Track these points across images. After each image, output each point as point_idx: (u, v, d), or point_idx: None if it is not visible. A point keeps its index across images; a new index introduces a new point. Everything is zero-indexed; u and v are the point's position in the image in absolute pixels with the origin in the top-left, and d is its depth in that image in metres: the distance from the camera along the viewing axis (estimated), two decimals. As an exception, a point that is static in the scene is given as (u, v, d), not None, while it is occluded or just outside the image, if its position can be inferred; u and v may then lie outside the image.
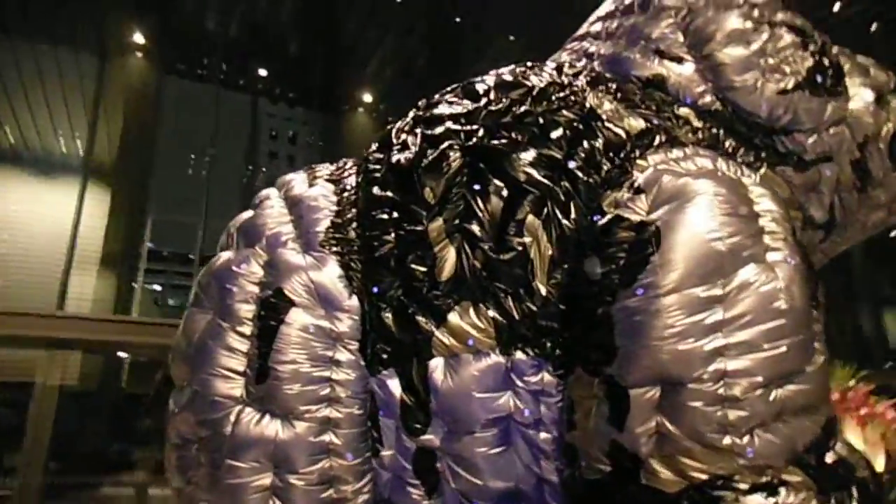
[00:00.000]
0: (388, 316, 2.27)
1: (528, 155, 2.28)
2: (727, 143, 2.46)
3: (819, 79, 2.58)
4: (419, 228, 2.27)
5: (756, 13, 2.68)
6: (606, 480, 1.94)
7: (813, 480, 1.76)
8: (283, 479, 2.14)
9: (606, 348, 1.94)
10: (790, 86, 2.53)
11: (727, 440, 1.74)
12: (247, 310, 2.32)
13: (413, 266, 2.25)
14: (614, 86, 2.57)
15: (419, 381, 2.19)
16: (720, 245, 1.87)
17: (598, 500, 2.00)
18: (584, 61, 2.89)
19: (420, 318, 2.21)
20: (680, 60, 2.67)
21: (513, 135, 2.35)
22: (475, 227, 2.21)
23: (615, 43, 2.94)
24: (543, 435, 2.14)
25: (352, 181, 2.60)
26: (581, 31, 3.33)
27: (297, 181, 2.70)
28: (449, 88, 2.77)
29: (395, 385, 2.23)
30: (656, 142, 2.34)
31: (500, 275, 2.16)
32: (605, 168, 2.25)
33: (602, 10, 3.26)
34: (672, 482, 1.80)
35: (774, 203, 2.08)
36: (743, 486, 1.73)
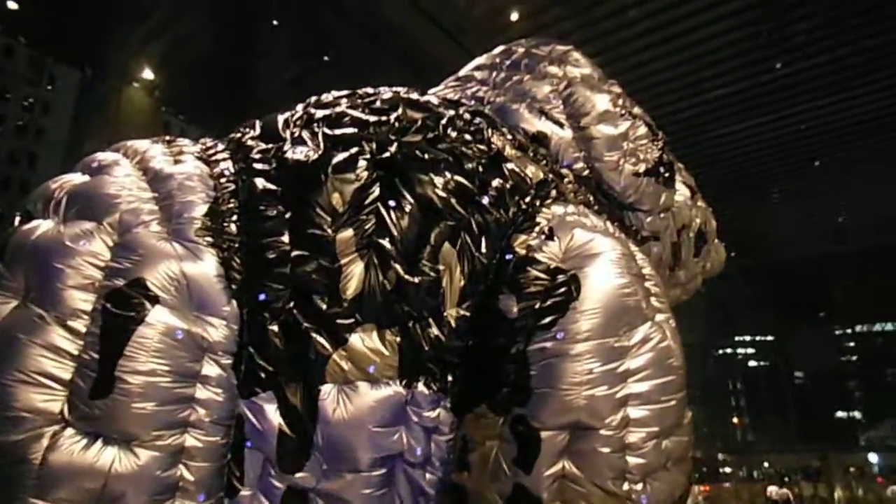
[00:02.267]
0: (273, 329, 1.94)
1: (443, 180, 2.21)
2: (595, 209, 2.71)
3: (661, 169, 3.03)
4: (324, 235, 2.02)
5: (620, 101, 3.07)
6: (499, 525, 1.89)
7: (682, 526, 1.94)
8: (108, 525, 1.64)
9: (519, 388, 1.92)
10: (642, 170, 2.94)
11: (625, 486, 1.84)
12: (83, 300, 1.78)
13: (313, 276, 1.98)
14: (509, 134, 2.67)
15: (305, 408, 1.90)
16: (629, 300, 2.02)
17: (483, 546, 1.93)
18: (473, 103, 2.96)
19: (316, 337, 1.94)
20: (561, 125, 2.91)
21: (426, 157, 2.27)
22: (387, 244, 2.05)
23: (502, 93, 3.08)
24: (428, 476, 2.02)
25: (228, 167, 2.23)
26: (463, 72, 3.43)
27: (155, 152, 2.21)
28: (343, 93, 2.59)
29: (272, 411, 1.90)
30: (553, 194, 2.48)
31: (410, 299, 2.02)
32: (511, 210, 2.29)
33: (485, 59, 3.41)
34: (571, 527, 1.83)
35: (651, 268, 2.33)
36: (633, 531, 1.83)
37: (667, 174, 2.99)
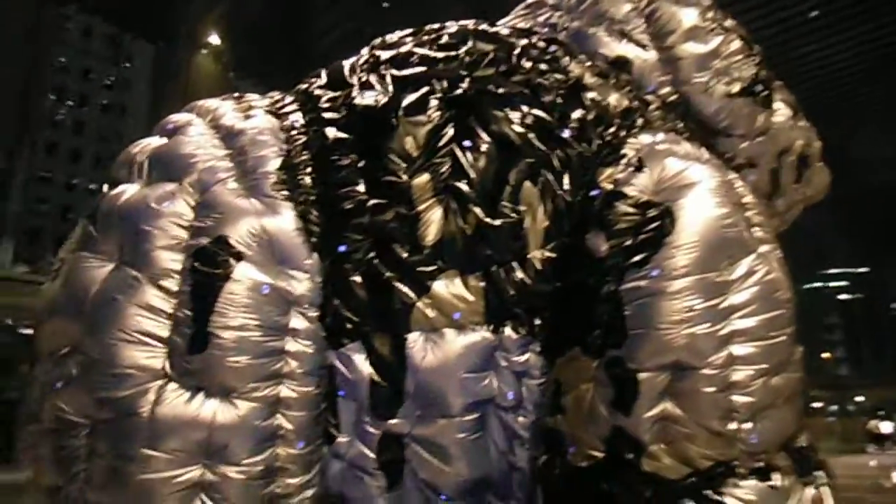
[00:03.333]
0: (356, 280, 1.92)
1: (520, 115, 2.09)
2: (686, 136, 2.50)
3: (758, 88, 2.75)
4: (399, 181, 1.96)
5: (710, 14, 2.78)
6: (597, 468, 1.84)
7: (795, 464, 1.82)
8: (217, 471, 1.71)
9: (613, 330, 1.83)
10: (735, 90, 2.67)
11: (732, 426, 1.73)
12: (172, 259, 1.81)
13: (391, 225, 1.93)
14: (587, 61, 2.48)
15: (393, 357, 1.89)
16: (730, 232, 1.86)
17: (579, 489, 1.89)
18: (547, 30, 2.77)
19: (398, 286, 1.90)
20: (644, 47, 2.68)
21: (500, 91, 2.14)
22: (465, 187, 1.96)
23: (577, 17, 2.86)
24: (521, 419, 1.98)
25: (297, 118, 2.18)
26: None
27: (225, 109, 2.20)
28: (408, 31, 2.47)
29: (361, 361, 1.90)
30: (639, 123, 2.30)
31: (492, 242, 1.94)
32: (595, 142, 2.14)
33: None
34: (674, 469, 1.75)
35: (753, 197, 2.14)
36: (741, 471, 1.74)
37: (764, 93, 2.71)
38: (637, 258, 1.84)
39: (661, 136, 2.20)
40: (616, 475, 1.80)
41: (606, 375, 1.81)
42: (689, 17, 2.70)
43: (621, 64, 2.63)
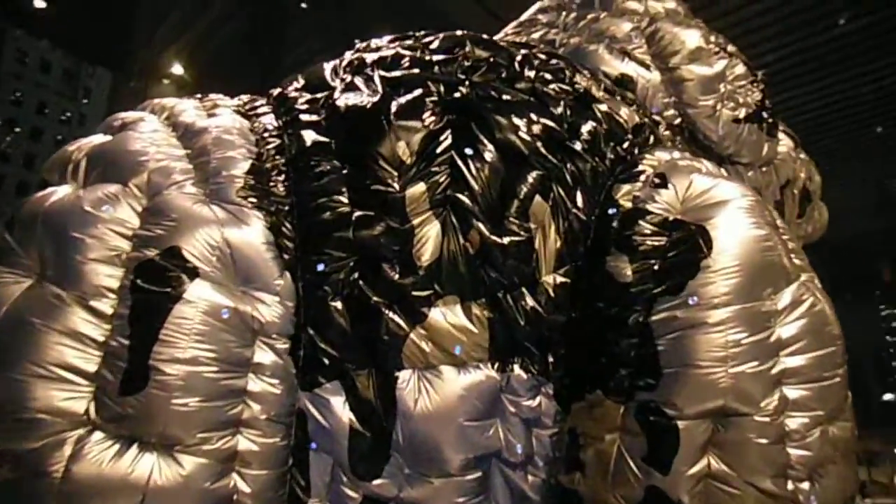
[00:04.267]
0: (336, 306, 1.60)
1: (526, 124, 1.84)
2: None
3: (764, 115, 2.61)
4: (390, 191, 1.67)
5: (712, 37, 2.65)
6: (628, 538, 1.51)
7: (857, 532, 1.54)
8: (150, 552, 1.31)
9: (645, 368, 1.54)
10: (742, 115, 2.52)
11: (790, 486, 1.45)
12: (108, 275, 1.45)
13: (380, 240, 1.63)
14: (589, 75, 2.28)
15: (379, 400, 1.55)
16: (771, 255, 1.62)
17: (605, 565, 1.56)
18: (543, 47, 2.57)
19: (388, 314, 1.59)
20: (647, 67, 2.51)
21: (504, 97, 1.90)
22: (466, 200, 1.68)
23: (575, 34, 2.69)
24: (531, 478, 1.65)
25: (270, 121, 1.88)
26: (525, 17, 3.04)
27: (185, 106, 1.88)
28: (395, 36, 2.23)
29: (339, 405, 1.56)
30: (651, 140, 2.09)
31: (498, 264, 1.65)
32: (608, 156, 1.91)
33: (549, 0, 3.01)
34: (722, 539, 1.44)
35: (781, 220, 1.93)
36: (802, 542, 1.44)
37: (769, 120, 2.56)
38: (669, 284, 1.57)
39: (677, 153, 1.98)
40: (650, 547, 1.47)
41: (637, 424, 1.51)
42: (692, 38, 2.56)
43: (625, 83, 2.45)
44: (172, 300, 1.41)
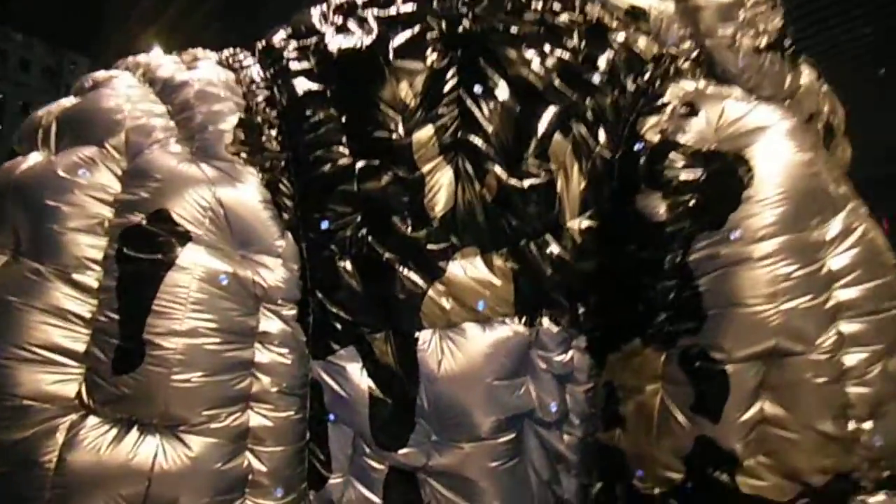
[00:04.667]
0: (345, 266, 1.46)
1: (539, 57, 1.68)
2: None
3: (786, 43, 2.44)
4: (394, 138, 1.52)
5: None
6: (675, 494, 1.40)
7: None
8: (161, 541, 1.19)
9: (685, 311, 1.41)
10: (763, 44, 2.34)
11: (850, 426, 1.33)
12: (90, 245, 1.31)
13: (388, 192, 1.48)
14: (601, 4, 2.10)
15: (400, 364, 1.43)
16: (818, 181, 1.48)
17: (652, 523, 1.45)
18: None
19: (402, 271, 1.45)
20: None
21: (512, 29, 1.73)
22: (479, 142, 1.53)
23: None
24: (567, 437, 1.54)
25: (256, 72, 1.72)
26: None
27: (164, 61, 1.72)
28: None
29: (356, 372, 1.43)
30: (671, 71, 1.92)
31: (518, 210, 1.51)
32: (629, 89, 1.75)
33: None
34: (780, 488, 1.33)
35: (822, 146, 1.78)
36: (866, 485, 1.33)
37: (791, 49, 2.39)
38: (708, 219, 1.43)
39: (702, 83, 1.82)
40: (703, 502, 1.36)
41: (681, 371, 1.39)
42: None
43: (637, 14, 2.26)
44: (164, 268, 1.27)
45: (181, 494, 1.21)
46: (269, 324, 1.37)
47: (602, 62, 1.74)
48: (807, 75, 2.60)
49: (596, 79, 1.70)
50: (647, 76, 1.79)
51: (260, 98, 1.62)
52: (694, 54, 2.21)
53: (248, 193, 1.42)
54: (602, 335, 1.55)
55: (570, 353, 1.53)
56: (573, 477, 1.54)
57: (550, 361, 1.50)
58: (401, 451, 1.41)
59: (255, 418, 1.32)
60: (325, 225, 1.46)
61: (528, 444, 1.50)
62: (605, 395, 1.53)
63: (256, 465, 1.31)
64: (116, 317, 1.24)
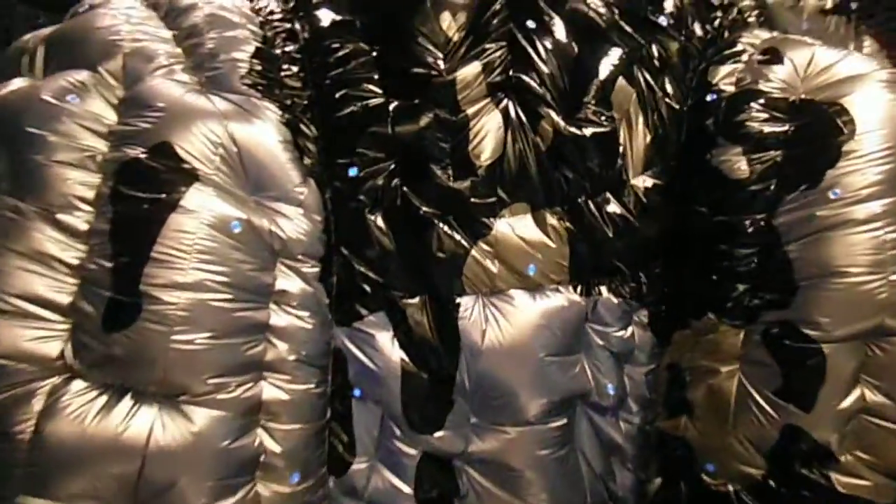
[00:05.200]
0: (375, 220, 1.26)
1: None
2: None
3: (852, 5, 2.23)
4: (435, 75, 1.31)
5: None
6: (756, 493, 1.21)
7: None
8: (156, 531, 1.00)
9: (773, 281, 1.21)
10: (829, 5, 2.14)
11: None
12: (80, 181, 1.11)
13: (427, 136, 1.28)
14: None
15: (437, 334, 1.23)
16: (926, 135, 1.27)
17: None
18: None
19: (442, 227, 1.25)
20: None
21: None
22: (533, 83, 1.32)
23: None
24: (624, 425, 1.34)
25: (274, 4, 1.51)
26: None
27: None
28: None
29: (387, 342, 1.24)
30: (740, 20, 1.71)
31: (576, 162, 1.31)
32: (697, 35, 1.54)
33: None
34: (881, 489, 1.14)
35: None
36: (983, 489, 1.14)
37: (857, 13, 2.17)
38: (801, 176, 1.23)
39: (777, 32, 1.61)
40: (789, 501, 1.17)
41: (765, 351, 1.19)
42: None
43: None
44: (166, 209, 1.08)
45: (181, 475, 1.02)
46: (288, 282, 1.17)
47: (668, 4, 1.53)
48: (868, 46, 2.38)
49: (662, 21, 1.49)
50: (715, 23, 1.58)
51: (279, 30, 1.42)
52: (755, 12, 2.00)
53: (265, 131, 1.22)
54: (667, 309, 1.35)
55: (631, 328, 1.33)
56: (629, 471, 1.35)
57: (608, 337, 1.31)
58: (436, 435, 1.22)
59: (270, 390, 1.13)
60: (353, 172, 1.26)
61: (580, 431, 1.31)
62: (669, 378, 1.33)
63: (270, 444, 1.12)
64: (109, 265, 1.05)
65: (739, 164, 1.29)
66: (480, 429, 1.24)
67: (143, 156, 1.11)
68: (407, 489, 1.22)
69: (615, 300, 1.30)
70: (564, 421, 1.27)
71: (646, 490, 1.35)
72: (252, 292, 1.12)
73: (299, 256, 1.19)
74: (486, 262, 1.24)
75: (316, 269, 1.21)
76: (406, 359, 1.22)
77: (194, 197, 1.10)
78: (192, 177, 1.12)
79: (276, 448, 1.13)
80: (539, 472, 1.24)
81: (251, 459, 1.10)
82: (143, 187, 1.09)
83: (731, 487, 1.23)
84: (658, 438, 1.34)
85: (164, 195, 1.09)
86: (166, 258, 1.05)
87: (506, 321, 1.23)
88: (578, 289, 1.28)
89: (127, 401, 1.02)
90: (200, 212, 1.09)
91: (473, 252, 1.24)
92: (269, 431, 1.13)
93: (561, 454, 1.26)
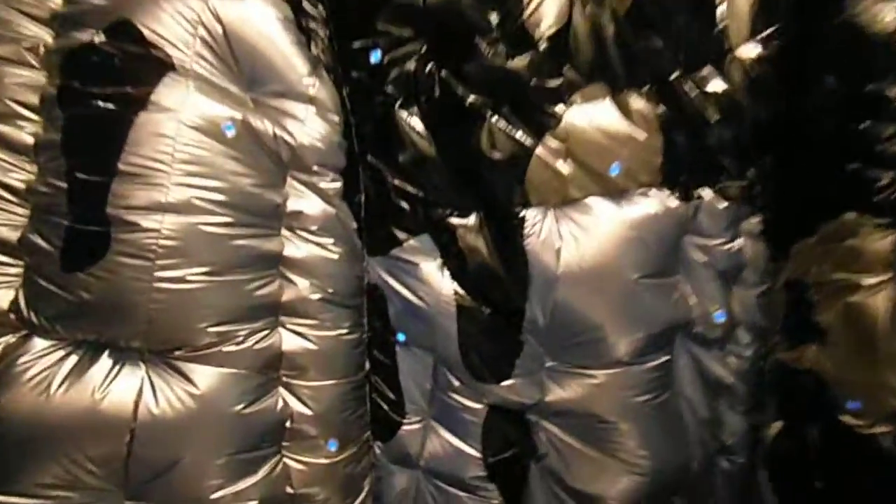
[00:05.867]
0: (408, 118, 0.97)
1: None
2: None
3: None
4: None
5: None
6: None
7: None
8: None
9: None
10: None
11: None
12: (19, 82, 0.84)
13: (466, 2, 0.97)
14: None
15: (498, 257, 0.96)
16: None
17: (866, 477, 1.00)
18: None
19: (495, 121, 0.96)
20: None
21: None
22: (602, -70, 1.00)
23: None
24: (733, 360, 1.08)
25: None
26: None
27: None
28: None
29: (434, 272, 0.97)
30: None
31: (664, 29, 0.99)
32: None
33: None
34: None
35: None
36: None
37: None
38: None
39: None
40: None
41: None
42: None
43: None
44: (133, 108, 0.81)
45: (183, 452, 0.78)
46: (303, 201, 0.91)
47: None
48: None
49: None
50: None
51: None
52: None
53: (259, 7, 0.92)
54: (786, 213, 1.06)
55: (740, 240, 1.05)
56: (740, 415, 1.09)
57: (712, 252, 1.03)
58: (504, 384, 0.96)
59: (291, 339, 0.88)
60: (375, 57, 0.97)
61: (680, 370, 1.05)
62: (789, 300, 1.06)
63: (297, 406, 0.88)
64: (64, 185, 0.79)
65: (884, 14, 0.97)
66: (558, 374, 0.98)
67: (97, 39, 0.83)
68: (472, 451, 0.98)
69: (720, 205, 1.02)
70: (663, 359, 1.01)
71: (761, 436, 1.10)
72: (257, 214, 0.86)
73: (315, 168, 0.92)
74: (556, 163, 0.96)
75: (337, 185, 0.94)
76: (461, 291, 0.96)
77: (169, 91, 0.83)
78: (164, 65, 0.84)
79: (306, 410, 0.89)
80: (634, 423, 1.00)
81: (274, 426, 0.86)
82: (101, 80, 0.81)
83: (880, 430, 0.97)
84: (777, 374, 1.07)
85: (128, 89, 0.81)
86: (139, 172, 0.79)
87: (585, 237, 0.95)
88: (675, 191, 0.99)
89: (104, 360, 0.78)
90: (179, 110, 0.82)
91: (538, 151, 0.96)
92: (295, 391, 0.89)
93: (661, 399, 1.01)
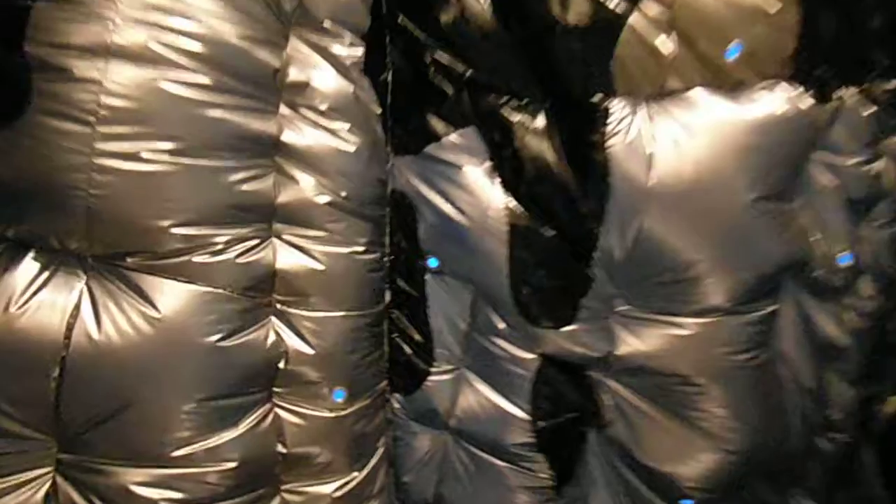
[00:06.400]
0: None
1: None
2: None
3: None
4: None
5: None
6: None
7: None
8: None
9: None
10: None
11: None
12: None
13: None
14: None
15: (568, 163, 0.71)
16: None
17: None
18: None
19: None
20: None
21: None
22: None
23: None
24: (850, 317, 0.85)
25: None
26: None
27: None
28: None
29: (479, 177, 0.73)
30: None
31: None
32: None
33: None
34: None
35: None
36: None
37: None
38: None
39: None
40: None
41: None
42: None
43: None
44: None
45: (136, 394, 0.58)
46: (310, 69, 0.67)
47: None
48: None
49: None
50: None
51: None
52: None
53: None
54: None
55: (881, 162, 0.80)
56: (851, 385, 0.86)
57: (844, 174, 0.78)
58: (564, 329, 0.74)
59: (287, 254, 0.66)
60: None
61: (784, 325, 0.82)
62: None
63: (293, 342, 0.67)
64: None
65: None
66: (635, 320, 0.76)
67: None
68: (517, 412, 0.77)
69: (865, 111, 0.77)
70: (770, 308, 0.77)
71: (874, 411, 0.88)
72: (245, 79, 0.62)
73: (326, 25, 0.68)
74: (656, 39, 0.71)
75: (357, 52, 0.70)
76: (515, 205, 0.72)
77: None
78: None
79: (305, 348, 0.67)
80: (726, 387, 0.78)
81: (263, 367, 0.65)
82: None
83: None
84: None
85: None
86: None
87: (688, 141, 0.71)
88: (808, 88, 0.74)
89: (28, 263, 0.56)
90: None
91: (633, 19, 0.70)
92: (291, 322, 0.67)
93: (759, 360, 0.78)
